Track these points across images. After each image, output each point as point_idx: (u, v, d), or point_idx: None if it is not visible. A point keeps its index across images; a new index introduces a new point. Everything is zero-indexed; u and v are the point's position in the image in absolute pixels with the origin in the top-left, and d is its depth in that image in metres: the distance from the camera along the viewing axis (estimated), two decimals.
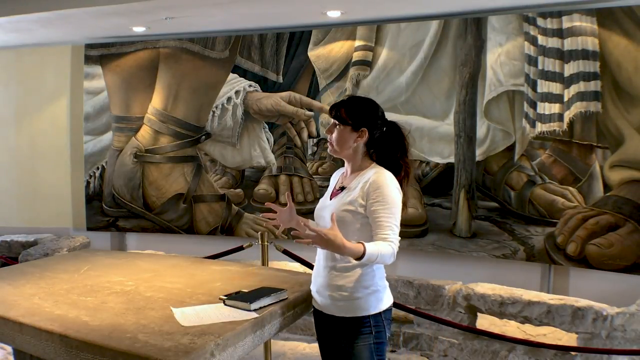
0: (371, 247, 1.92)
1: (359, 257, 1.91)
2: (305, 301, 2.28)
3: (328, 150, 2.20)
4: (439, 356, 3.58)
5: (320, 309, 2.16)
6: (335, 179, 2.28)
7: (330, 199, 2.17)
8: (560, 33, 3.77)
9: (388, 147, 2.13)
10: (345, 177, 2.20)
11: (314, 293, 2.20)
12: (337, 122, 2.13)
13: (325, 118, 4.59)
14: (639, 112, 3.61)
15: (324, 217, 2.12)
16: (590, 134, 3.75)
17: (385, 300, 2.11)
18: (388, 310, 2.12)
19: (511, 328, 3.57)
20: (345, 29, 4.50)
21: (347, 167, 2.21)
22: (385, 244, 1.95)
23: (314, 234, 1.89)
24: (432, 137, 4.24)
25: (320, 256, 2.16)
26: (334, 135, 2.14)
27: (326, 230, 1.89)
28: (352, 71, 4.46)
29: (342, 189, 2.14)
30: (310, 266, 3.63)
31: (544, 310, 3.28)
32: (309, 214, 4.84)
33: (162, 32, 4.87)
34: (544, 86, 3.85)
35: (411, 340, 3.70)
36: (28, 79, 5.52)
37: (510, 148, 4.01)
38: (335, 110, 2.14)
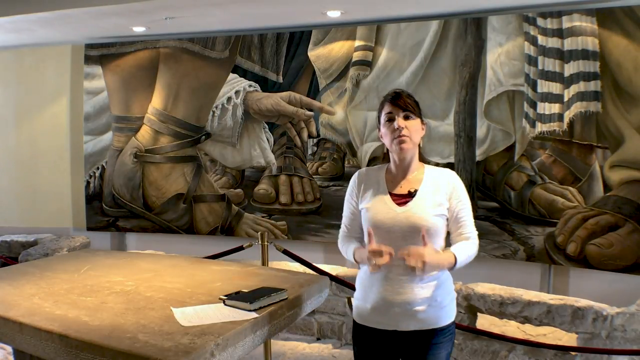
0: (460, 254, 1.89)
1: (452, 267, 1.88)
2: (305, 301, 2.28)
3: (403, 146, 1.92)
4: None
5: (394, 327, 1.94)
6: (370, 182, 2.03)
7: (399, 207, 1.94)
8: (560, 33, 3.77)
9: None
10: (396, 178, 2.00)
11: (390, 313, 1.93)
12: (410, 114, 1.94)
13: (325, 118, 4.59)
14: (639, 112, 3.61)
15: (394, 231, 1.90)
16: (590, 134, 3.75)
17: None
18: None
19: (511, 328, 3.57)
20: (345, 29, 4.49)
21: (399, 166, 2.00)
22: (470, 243, 1.95)
23: (422, 263, 1.74)
24: (432, 137, 4.24)
25: (391, 273, 1.92)
26: (409, 128, 1.93)
27: (427, 251, 1.77)
28: (352, 71, 4.45)
29: (411, 193, 1.96)
30: (311, 266, 3.62)
31: (544, 310, 3.28)
32: (310, 214, 4.91)
33: (162, 32, 4.86)
34: (544, 86, 3.84)
35: None
36: (28, 79, 5.52)
37: (510, 148, 4.01)
38: (403, 101, 1.94)
